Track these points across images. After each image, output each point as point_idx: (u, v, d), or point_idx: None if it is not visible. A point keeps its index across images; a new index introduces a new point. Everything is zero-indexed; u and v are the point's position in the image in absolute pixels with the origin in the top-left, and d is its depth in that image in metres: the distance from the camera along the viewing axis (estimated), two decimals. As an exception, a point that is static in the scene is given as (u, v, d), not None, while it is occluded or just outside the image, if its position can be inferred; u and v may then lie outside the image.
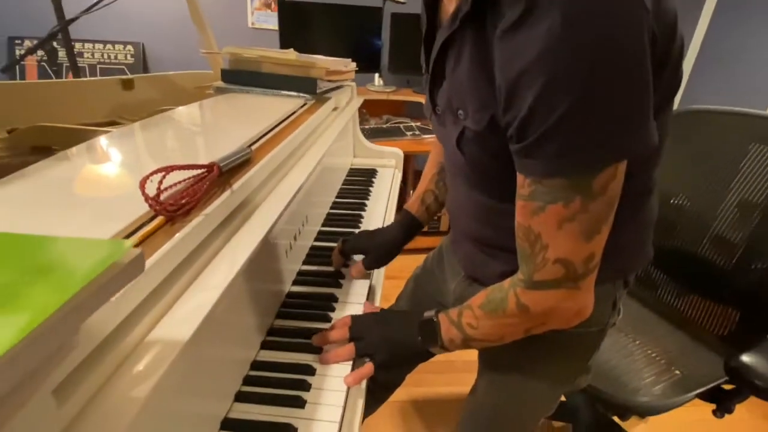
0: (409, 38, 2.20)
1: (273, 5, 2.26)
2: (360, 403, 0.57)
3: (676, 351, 0.97)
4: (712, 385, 0.85)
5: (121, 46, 2.28)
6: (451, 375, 1.56)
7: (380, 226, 1.02)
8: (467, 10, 0.45)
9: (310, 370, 0.59)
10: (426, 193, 0.85)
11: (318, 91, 1.07)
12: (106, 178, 0.56)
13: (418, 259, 0.93)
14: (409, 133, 2.04)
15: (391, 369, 0.64)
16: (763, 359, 0.74)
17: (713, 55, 2.45)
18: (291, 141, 0.79)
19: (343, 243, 0.82)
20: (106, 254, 0.25)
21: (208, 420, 0.49)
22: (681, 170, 1.06)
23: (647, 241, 0.61)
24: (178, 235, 0.42)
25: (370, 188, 1.21)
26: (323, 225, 0.99)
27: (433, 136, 1.24)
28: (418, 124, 2.21)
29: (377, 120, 2.20)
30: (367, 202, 1.12)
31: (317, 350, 0.62)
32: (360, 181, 1.25)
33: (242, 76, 1.10)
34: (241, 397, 0.54)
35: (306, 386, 0.56)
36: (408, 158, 2.13)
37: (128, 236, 0.40)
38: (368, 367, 0.60)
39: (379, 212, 1.09)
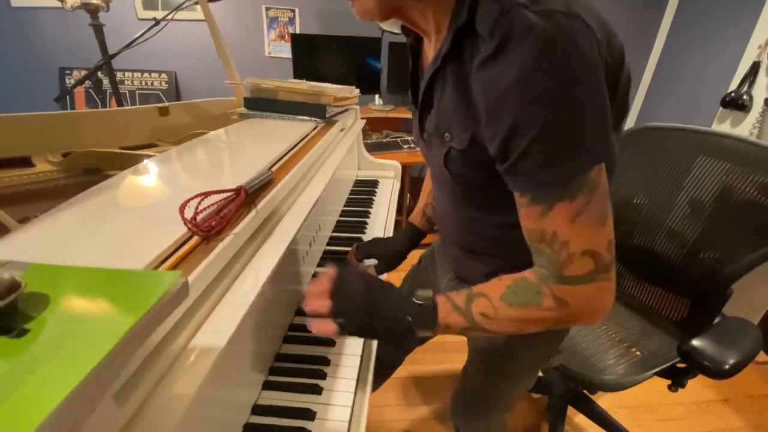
0: (404, 64, 2.16)
1: (287, 37, 2.26)
2: (368, 389, 0.57)
3: (637, 334, 0.98)
4: (667, 365, 0.86)
5: (157, 74, 2.29)
6: (443, 354, 1.57)
7: (383, 230, 1.04)
8: (447, 50, 0.45)
9: (326, 361, 0.59)
10: (426, 206, 0.86)
11: (327, 115, 1.07)
12: (150, 202, 0.56)
13: (414, 255, 0.93)
14: (405, 146, 2.04)
15: (361, 338, 0.57)
16: (710, 343, 0.75)
17: (667, 73, 2.45)
18: (306, 162, 0.80)
19: (357, 248, 0.82)
20: (159, 285, 0.25)
21: (242, 407, 0.50)
22: (640, 176, 1.07)
23: None
24: (213, 253, 0.43)
25: (373, 197, 1.21)
26: (334, 231, 1.00)
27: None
28: (413, 138, 2.21)
29: (378, 135, 2.20)
30: (370, 209, 1.13)
31: (332, 343, 0.62)
32: (364, 191, 1.25)
33: (262, 104, 1.10)
34: (267, 386, 0.55)
35: (322, 375, 0.57)
36: (405, 168, 2.13)
37: (170, 255, 0.41)
38: (331, 329, 0.48)
39: (381, 218, 1.10)
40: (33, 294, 0.25)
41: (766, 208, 0.83)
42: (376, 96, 2.35)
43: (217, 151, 0.81)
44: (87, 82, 2.20)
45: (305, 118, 1.07)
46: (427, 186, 0.87)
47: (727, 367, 0.71)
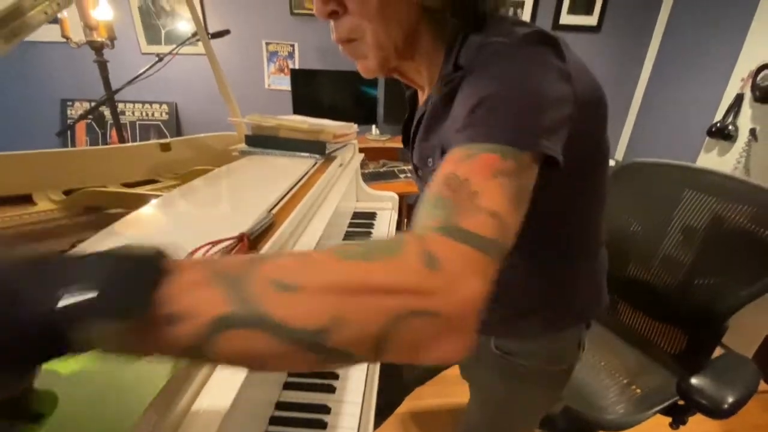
0: (400, 95, 2.23)
1: (286, 70, 2.32)
2: (374, 392, 0.64)
3: (635, 369, 0.98)
4: (667, 403, 0.86)
5: (158, 105, 2.33)
6: (444, 387, 1.54)
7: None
8: (436, 101, 0.49)
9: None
10: None
11: (327, 152, 1.09)
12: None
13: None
14: (402, 176, 2.08)
15: None
16: (708, 381, 0.75)
17: (654, 104, 2.53)
18: (306, 202, 0.81)
19: None
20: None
21: (267, 404, 0.58)
22: (632, 208, 1.10)
23: (602, 289, 0.63)
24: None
25: (371, 230, 1.22)
26: (333, 267, 1.00)
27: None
28: (410, 167, 2.25)
29: (375, 164, 2.24)
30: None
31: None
32: (362, 224, 1.26)
33: (263, 141, 1.12)
34: (287, 386, 0.63)
35: (335, 376, 0.65)
36: (402, 197, 2.16)
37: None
38: None
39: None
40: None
41: (755, 238, 0.85)
42: (373, 126, 2.40)
43: (219, 192, 0.83)
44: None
45: (305, 154, 1.09)
46: None
47: (726, 406, 0.71)
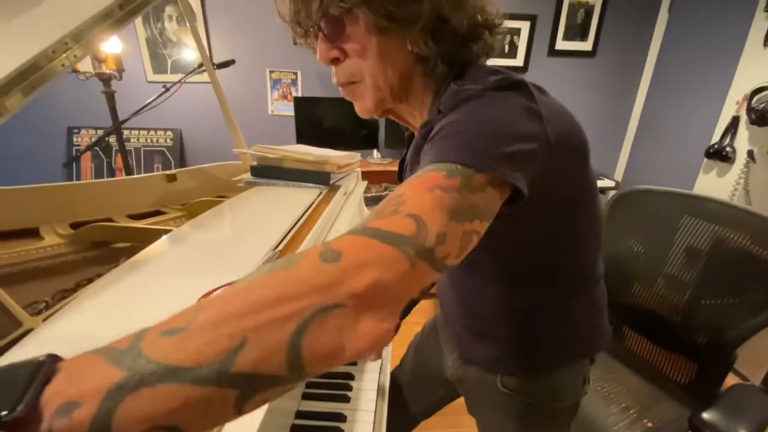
0: (401, 120, 2.30)
1: (289, 97, 2.37)
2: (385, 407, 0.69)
3: (645, 400, 0.96)
4: (679, 437, 0.85)
5: (162, 132, 2.36)
6: (453, 417, 1.51)
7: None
8: (417, 143, 0.52)
9: (351, 376, 0.73)
10: None
11: (331, 182, 1.11)
12: (164, 293, 0.57)
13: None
14: (404, 199, 2.09)
15: None
16: (721, 416, 0.74)
17: (650, 127, 2.56)
18: (312, 236, 0.81)
19: None
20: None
21: (288, 412, 0.62)
22: (635, 230, 1.11)
23: (603, 323, 0.63)
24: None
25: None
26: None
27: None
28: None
29: (377, 188, 2.26)
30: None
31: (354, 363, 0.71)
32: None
33: (268, 171, 1.14)
34: (305, 396, 0.67)
35: (349, 387, 0.70)
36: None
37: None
38: None
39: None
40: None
41: (758, 264, 0.85)
42: (374, 150, 2.43)
43: (227, 228, 0.83)
44: (94, 137, 2.27)
45: (310, 185, 1.10)
46: None
47: (740, 441, 0.70)
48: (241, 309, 0.23)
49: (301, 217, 0.89)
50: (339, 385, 0.71)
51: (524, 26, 2.38)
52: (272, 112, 2.43)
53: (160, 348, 0.21)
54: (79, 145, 2.29)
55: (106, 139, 2.04)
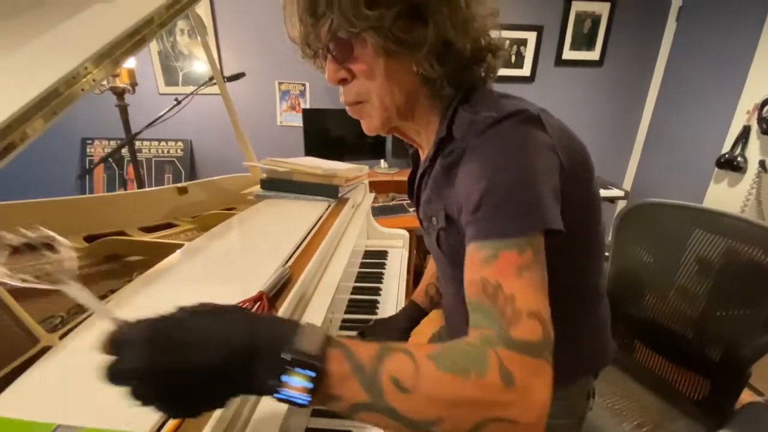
0: (408, 130, 2.31)
1: (298, 108, 2.39)
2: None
3: (658, 417, 0.95)
4: (694, 456, 0.83)
5: (173, 142, 2.40)
6: None
7: (395, 305, 1.03)
8: (432, 153, 0.55)
9: None
10: (429, 286, 0.87)
11: (339, 195, 1.12)
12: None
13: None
14: (411, 209, 2.09)
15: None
16: (736, 436, 0.73)
17: (659, 137, 2.55)
18: (322, 250, 0.82)
19: (360, 335, 0.83)
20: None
21: (299, 429, 0.61)
22: (646, 242, 1.10)
23: (606, 338, 0.63)
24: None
25: (383, 270, 1.22)
26: (345, 312, 1.00)
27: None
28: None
29: (384, 198, 2.26)
30: (381, 285, 1.14)
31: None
32: (374, 264, 1.26)
33: (277, 184, 1.15)
34: (315, 413, 0.65)
35: None
36: (411, 232, 2.17)
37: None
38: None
39: (392, 293, 1.10)
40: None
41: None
42: (382, 160, 2.44)
43: (238, 243, 0.84)
44: (107, 149, 2.32)
45: (319, 198, 1.11)
46: (431, 266, 0.88)
47: (756, 463, 0.68)
48: (448, 397, 0.33)
49: (311, 230, 0.90)
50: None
51: (531, 36, 2.39)
52: (281, 122, 2.46)
53: (392, 396, 0.32)
54: (92, 156, 2.33)
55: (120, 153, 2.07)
